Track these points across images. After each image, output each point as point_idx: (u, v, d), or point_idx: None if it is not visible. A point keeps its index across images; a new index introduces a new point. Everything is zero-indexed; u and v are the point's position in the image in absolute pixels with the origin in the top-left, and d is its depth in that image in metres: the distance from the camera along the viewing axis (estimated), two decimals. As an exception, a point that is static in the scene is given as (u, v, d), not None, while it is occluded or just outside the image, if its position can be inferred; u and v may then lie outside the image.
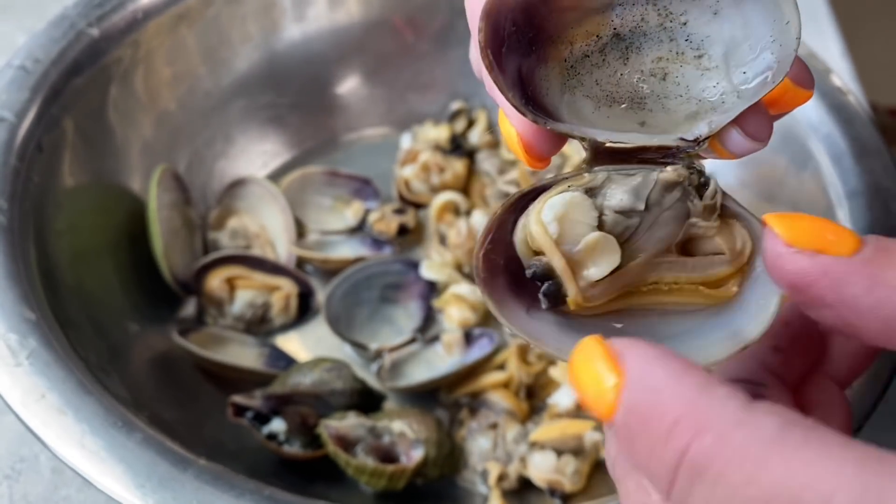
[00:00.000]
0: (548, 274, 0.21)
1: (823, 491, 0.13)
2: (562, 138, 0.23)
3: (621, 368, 0.17)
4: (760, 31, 0.21)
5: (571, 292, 0.21)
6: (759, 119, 0.22)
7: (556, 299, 0.21)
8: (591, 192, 0.22)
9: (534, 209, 0.22)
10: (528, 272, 0.22)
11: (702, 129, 0.22)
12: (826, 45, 0.67)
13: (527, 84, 0.23)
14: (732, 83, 0.22)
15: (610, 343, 0.17)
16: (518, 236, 0.22)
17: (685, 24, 0.22)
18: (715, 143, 0.23)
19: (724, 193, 0.23)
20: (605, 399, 0.16)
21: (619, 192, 0.22)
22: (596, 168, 0.23)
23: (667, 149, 0.23)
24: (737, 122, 0.22)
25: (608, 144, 0.23)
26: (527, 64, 0.23)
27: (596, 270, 0.21)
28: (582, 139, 0.23)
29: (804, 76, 0.23)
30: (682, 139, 0.22)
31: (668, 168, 0.21)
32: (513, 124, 0.23)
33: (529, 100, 0.23)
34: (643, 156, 0.23)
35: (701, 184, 0.23)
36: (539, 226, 0.21)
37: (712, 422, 0.15)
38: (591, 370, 0.17)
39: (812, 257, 0.18)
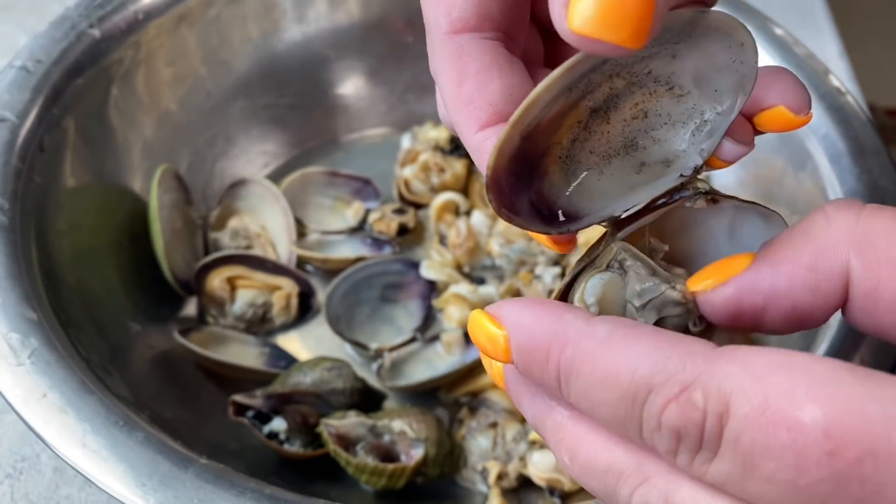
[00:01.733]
0: None
1: (633, 365, 0.19)
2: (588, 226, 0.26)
3: (502, 324, 0.21)
4: (720, 56, 0.23)
5: None
6: (742, 126, 0.25)
7: None
8: (619, 266, 0.24)
9: (577, 291, 0.24)
10: None
11: (695, 159, 0.25)
12: (824, 46, 0.67)
13: (540, 205, 0.25)
14: (710, 102, 0.24)
15: (489, 309, 0.22)
16: None
17: (649, 72, 0.24)
18: (711, 160, 0.25)
19: None
20: (500, 349, 0.22)
21: (631, 288, 0.24)
22: (616, 246, 0.25)
23: (673, 189, 0.25)
24: (726, 134, 0.24)
25: (624, 216, 0.25)
26: (534, 190, 0.24)
27: None
28: (601, 222, 0.25)
29: (798, 102, 0.24)
30: (682, 175, 0.25)
31: (678, 286, 0.23)
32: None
33: (549, 213, 0.25)
34: (657, 204, 0.25)
35: (712, 199, 0.25)
36: (581, 306, 0.23)
37: (568, 339, 0.20)
38: (483, 331, 0.22)
39: (724, 285, 0.22)
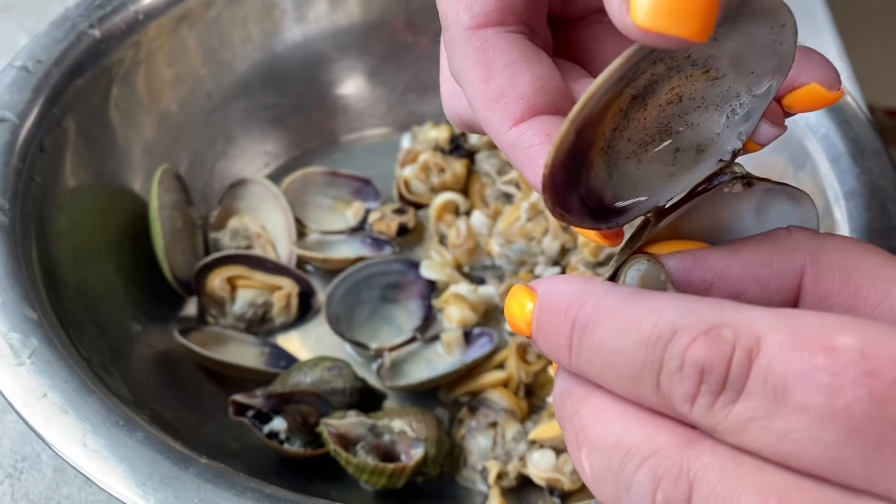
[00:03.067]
0: None
1: (659, 311, 0.18)
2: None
3: (535, 296, 0.21)
4: (760, 38, 0.23)
5: None
6: (773, 108, 0.25)
7: None
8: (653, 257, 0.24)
9: (619, 279, 0.24)
10: None
11: (734, 143, 0.24)
12: (824, 47, 0.67)
13: (589, 200, 0.24)
14: (746, 84, 0.24)
15: (531, 283, 0.22)
16: None
17: (688, 56, 0.23)
18: (746, 143, 0.25)
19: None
20: (525, 318, 0.21)
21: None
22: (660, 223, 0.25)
23: (713, 175, 0.24)
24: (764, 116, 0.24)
25: (668, 205, 0.25)
26: (583, 184, 0.24)
27: None
28: (647, 213, 0.25)
29: (830, 78, 0.24)
30: (721, 160, 0.24)
31: None
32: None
33: (598, 208, 0.24)
34: (696, 190, 0.25)
35: (747, 182, 0.25)
36: None
37: (591, 294, 0.20)
38: (517, 303, 0.22)
39: (682, 255, 0.22)
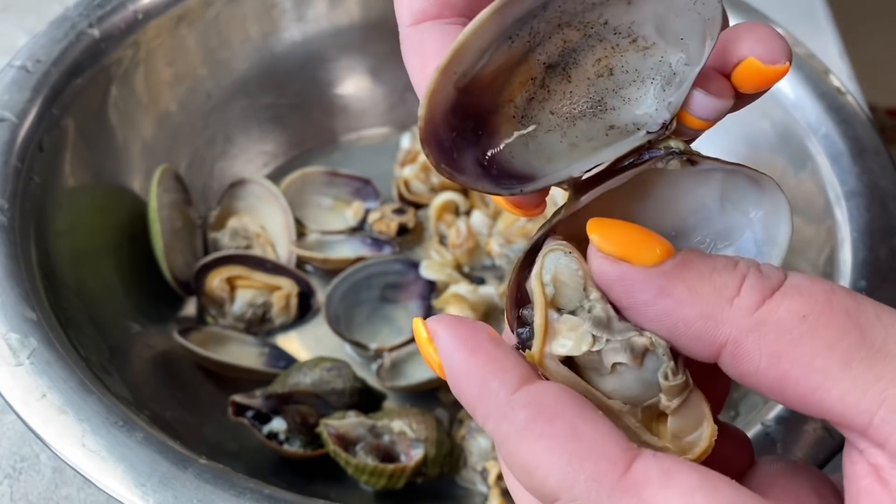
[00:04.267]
0: (531, 323, 0.23)
1: (545, 473, 0.19)
2: (545, 188, 0.24)
3: (437, 351, 0.21)
4: (678, 0, 0.22)
5: (535, 348, 0.22)
6: (716, 80, 0.23)
7: (524, 345, 0.23)
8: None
9: (536, 266, 0.23)
10: (518, 312, 0.23)
11: (663, 114, 0.22)
12: (824, 46, 0.67)
13: (489, 164, 0.23)
14: (675, 51, 0.23)
15: (428, 323, 0.22)
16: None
17: (605, 23, 0.22)
18: (685, 117, 0.23)
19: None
20: (437, 368, 0.21)
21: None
22: (583, 198, 0.23)
23: (641, 148, 0.23)
24: (697, 86, 0.22)
25: (584, 177, 0.23)
26: (481, 148, 0.23)
27: (561, 348, 0.22)
28: (560, 184, 0.23)
29: (770, 52, 0.22)
30: (649, 132, 0.22)
31: (647, 333, 0.21)
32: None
33: (498, 173, 0.23)
34: (622, 165, 0.23)
35: (688, 160, 0.23)
36: (537, 284, 0.22)
37: (490, 413, 0.20)
38: (422, 345, 0.22)
39: (614, 263, 0.21)
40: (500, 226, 0.56)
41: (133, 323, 0.49)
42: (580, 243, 0.22)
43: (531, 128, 0.24)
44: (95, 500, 0.44)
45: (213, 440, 0.45)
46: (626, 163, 0.23)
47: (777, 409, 0.38)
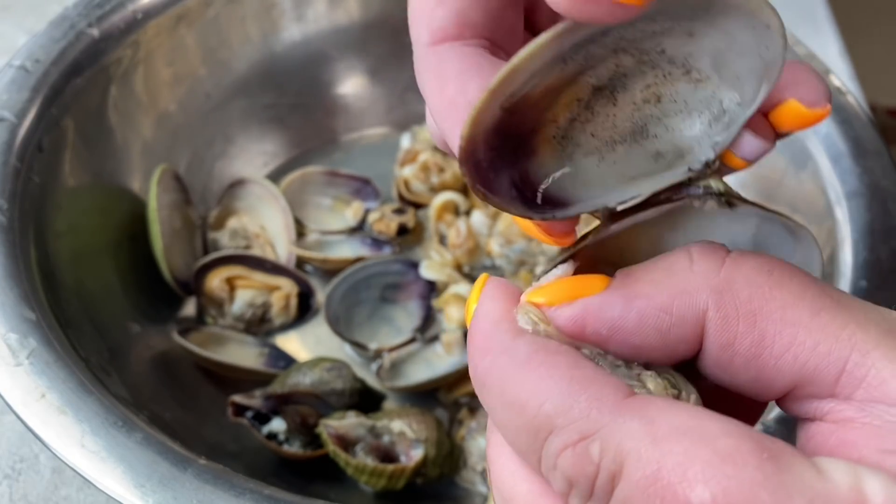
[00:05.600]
0: None
1: (540, 399, 0.18)
2: (578, 215, 0.24)
3: (479, 298, 0.21)
4: (742, 39, 0.21)
5: None
6: (761, 121, 0.23)
7: None
8: None
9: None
10: None
11: (707, 152, 0.22)
12: (825, 46, 0.67)
13: (525, 186, 0.23)
14: (729, 90, 0.22)
15: (488, 279, 0.22)
16: None
17: (662, 51, 0.22)
18: (728, 156, 0.23)
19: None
20: (468, 320, 0.22)
21: None
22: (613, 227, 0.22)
23: (681, 184, 0.22)
24: (747, 127, 0.22)
25: (620, 208, 0.23)
26: (518, 169, 0.23)
27: None
28: (594, 212, 0.23)
29: (812, 95, 0.22)
30: (691, 168, 0.22)
31: (649, 384, 0.21)
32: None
33: (532, 197, 0.23)
34: (660, 199, 0.22)
35: (727, 202, 0.22)
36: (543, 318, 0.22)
37: (491, 348, 0.20)
38: (472, 296, 0.22)
39: (573, 305, 0.21)
40: (501, 226, 0.56)
41: (132, 323, 0.49)
42: (601, 269, 0.22)
43: (578, 160, 0.23)
44: (95, 500, 0.44)
45: (212, 441, 0.45)
46: (663, 197, 0.22)
47: (777, 409, 0.38)
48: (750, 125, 0.22)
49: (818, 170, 0.47)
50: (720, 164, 0.23)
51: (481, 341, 0.20)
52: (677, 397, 0.21)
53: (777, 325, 0.19)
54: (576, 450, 0.18)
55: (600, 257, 0.23)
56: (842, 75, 0.64)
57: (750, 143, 0.22)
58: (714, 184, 0.22)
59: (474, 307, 0.21)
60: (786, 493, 0.16)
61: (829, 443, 0.19)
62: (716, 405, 0.21)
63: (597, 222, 0.24)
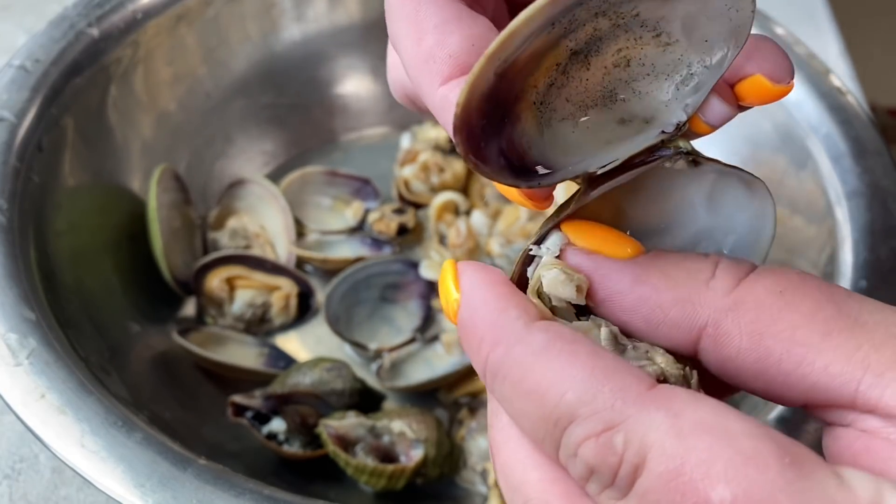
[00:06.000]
0: None
1: (562, 389, 0.18)
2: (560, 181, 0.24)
3: (459, 288, 0.21)
4: (715, 2, 0.21)
5: None
6: (725, 89, 0.23)
7: None
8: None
9: (532, 280, 0.23)
10: None
11: (679, 115, 0.23)
12: (825, 46, 0.67)
13: (510, 154, 0.23)
14: (698, 53, 0.22)
15: (459, 265, 0.21)
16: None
17: (637, 15, 0.22)
18: (694, 121, 0.23)
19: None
20: (451, 310, 0.21)
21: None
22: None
23: (653, 147, 0.23)
24: (714, 92, 0.23)
25: (599, 172, 0.23)
26: (504, 137, 0.23)
27: None
28: (575, 178, 0.23)
29: (777, 71, 0.23)
30: (664, 132, 0.23)
31: (658, 361, 0.21)
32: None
33: (518, 165, 0.23)
34: (634, 162, 0.23)
35: (693, 161, 0.23)
36: (536, 300, 0.22)
37: (502, 338, 0.19)
38: (444, 287, 0.21)
39: (589, 255, 0.21)
40: (501, 226, 0.56)
41: (132, 323, 0.49)
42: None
43: (556, 125, 0.23)
44: (95, 500, 0.44)
45: (212, 440, 0.45)
46: (637, 161, 0.23)
47: (778, 410, 0.38)
48: (716, 91, 0.23)
49: (818, 169, 0.47)
50: (688, 128, 0.23)
51: (489, 332, 0.20)
52: (683, 374, 0.21)
53: (785, 344, 0.19)
54: (599, 440, 0.18)
55: (572, 214, 0.24)
56: (842, 75, 0.64)
57: (717, 107, 0.23)
58: (682, 144, 0.23)
59: (454, 297, 0.21)
60: (805, 500, 0.16)
61: (854, 447, 0.19)
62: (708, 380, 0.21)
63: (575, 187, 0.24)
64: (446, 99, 0.23)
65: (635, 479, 0.17)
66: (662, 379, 0.21)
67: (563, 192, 0.25)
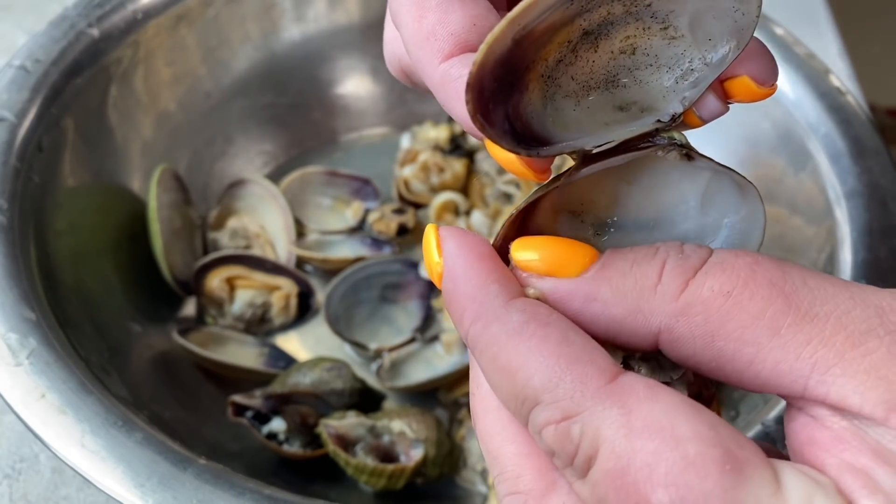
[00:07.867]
0: None
1: (529, 372, 0.19)
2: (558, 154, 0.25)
3: (442, 255, 0.22)
4: (723, 2, 0.22)
5: None
6: (718, 87, 0.24)
7: None
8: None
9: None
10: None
11: (676, 107, 0.23)
12: (825, 46, 0.67)
13: (514, 120, 0.23)
14: (700, 51, 0.23)
15: (441, 231, 0.22)
16: None
17: (649, 5, 0.23)
18: (688, 114, 0.24)
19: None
20: (435, 273, 0.22)
21: None
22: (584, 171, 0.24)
23: (648, 134, 0.24)
24: (710, 88, 0.24)
25: (595, 151, 0.24)
26: (511, 103, 0.23)
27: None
28: (571, 153, 0.24)
29: (763, 74, 0.23)
30: (660, 120, 0.23)
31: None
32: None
33: (521, 132, 0.24)
34: (628, 146, 0.24)
35: (686, 154, 0.24)
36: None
37: (481, 314, 0.20)
38: (429, 252, 0.22)
39: (541, 280, 0.21)
40: (500, 226, 0.56)
41: (132, 323, 0.49)
42: (565, 211, 0.24)
43: (559, 100, 0.24)
44: (95, 500, 0.44)
45: (212, 440, 0.45)
46: (631, 145, 0.24)
47: (777, 409, 0.38)
48: (711, 88, 0.23)
49: (818, 169, 0.47)
50: (682, 120, 0.24)
51: (469, 305, 0.21)
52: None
53: (735, 344, 0.19)
54: (558, 427, 0.19)
55: (566, 199, 0.25)
56: (841, 75, 0.64)
57: (712, 103, 0.24)
58: (677, 136, 0.24)
59: (437, 261, 0.22)
60: None
61: (802, 436, 0.19)
62: None
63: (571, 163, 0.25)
64: (447, 74, 0.23)
65: (589, 468, 0.18)
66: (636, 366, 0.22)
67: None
